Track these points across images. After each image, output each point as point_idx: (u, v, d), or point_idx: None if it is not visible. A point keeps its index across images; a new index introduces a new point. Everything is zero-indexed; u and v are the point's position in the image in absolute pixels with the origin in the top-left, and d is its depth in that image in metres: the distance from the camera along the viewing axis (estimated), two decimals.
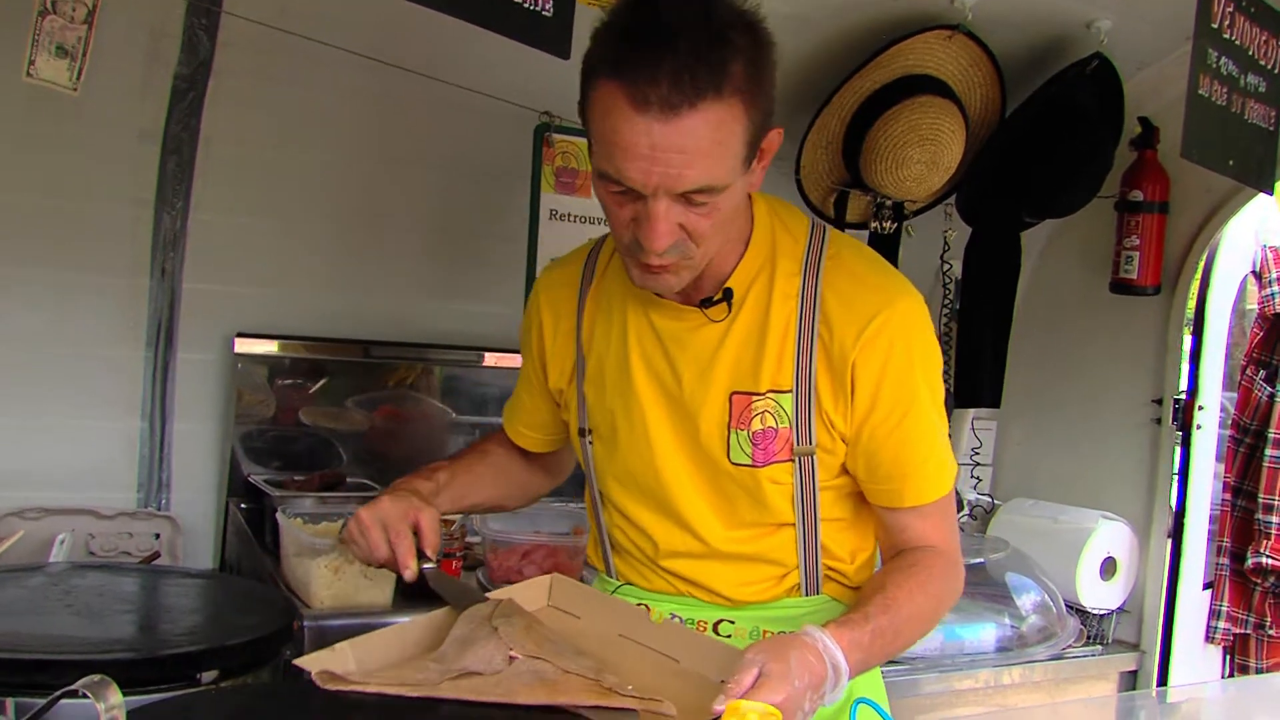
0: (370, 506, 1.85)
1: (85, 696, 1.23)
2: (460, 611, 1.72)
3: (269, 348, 2.90)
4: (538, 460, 2.12)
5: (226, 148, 2.75)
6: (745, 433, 1.69)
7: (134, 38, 2.52)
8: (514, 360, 2.98)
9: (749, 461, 1.70)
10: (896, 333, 1.67)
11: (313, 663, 1.58)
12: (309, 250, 2.96)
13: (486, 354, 3.13)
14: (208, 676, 1.86)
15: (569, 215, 2.67)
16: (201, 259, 2.82)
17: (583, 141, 2.71)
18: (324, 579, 2.36)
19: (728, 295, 1.69)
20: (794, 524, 1.74)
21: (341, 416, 3.07)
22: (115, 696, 1.23)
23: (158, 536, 2.78)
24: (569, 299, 1.88)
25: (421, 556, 1.84)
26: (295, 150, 2.84)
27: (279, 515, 2.52)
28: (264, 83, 2.70)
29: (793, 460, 1.70)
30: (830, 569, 1.80)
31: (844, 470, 1.75)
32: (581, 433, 1.89)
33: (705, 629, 1.80)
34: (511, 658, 1.59)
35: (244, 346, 2.86)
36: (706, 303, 1.70)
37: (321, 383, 3.02)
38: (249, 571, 2.67)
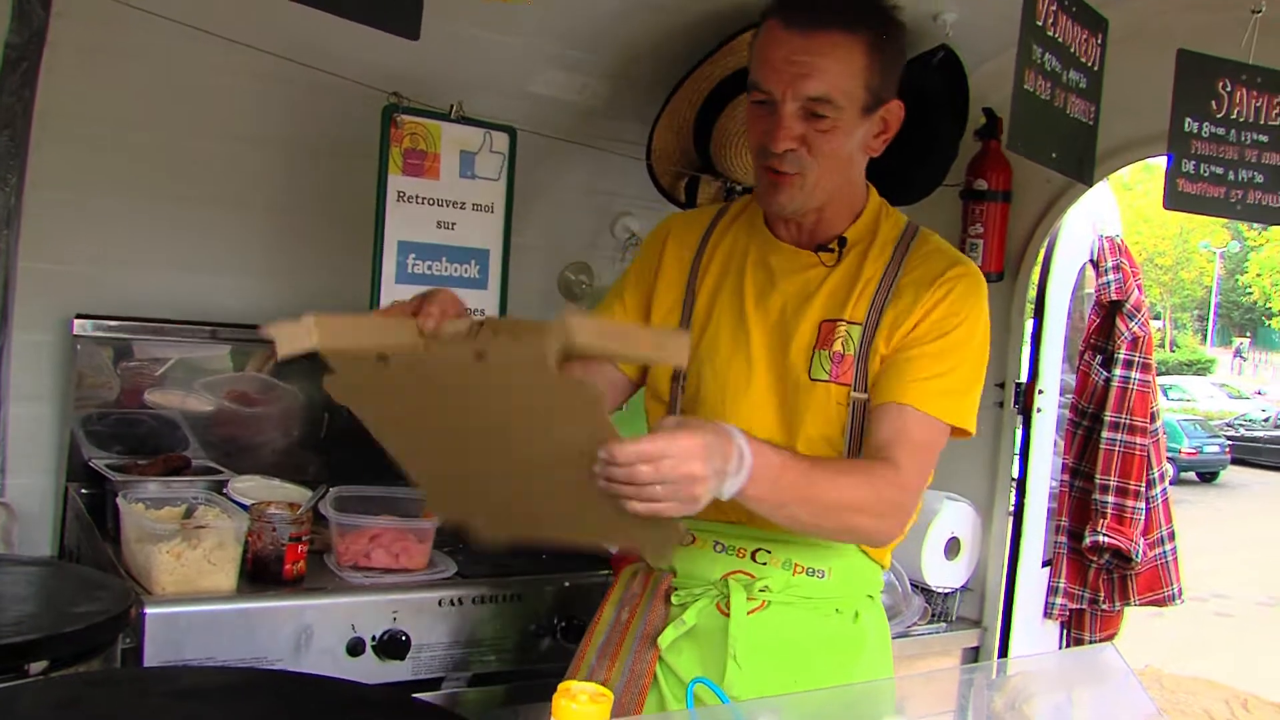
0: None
1: None
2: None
3: (110, 329, 2.82)
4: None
5: (64, 122, 2.66)
6: (827, 352, 1.97)
7: None
8: None
9: (826, 377, 1.96)
10: (961, 286, 1.96)
11: (281, 336, 1.62)
12: (153, 230, 2.88)
13: None
14: (37, 667, 1.83)
15: (417, 197, 2.65)
16: (38, 237, 2.73)
17: (432, 124, 2.73)
18: (166, 565, 2.32)
19: (842, 243, 2.02)
20: (843, 453, 1.96)
21: (187, 400, 3.01)
22: None
23: None
24: (694, 236, 2.16)
25: None
26: (137, 126, 2.77)
27: (119, 500, 2.47)
28: (103, 56, 2.63)
29: (850, 389, 1.95)
30: None
31: None
32: (675, 377, 2.10)
33: (744, 555, 2.01)
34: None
35: (84, 328, 2.78)
36: (821, 248, 2.02)
37: (167, 365, 2.96)
38: (89, 559, 2.61)
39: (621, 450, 1.53)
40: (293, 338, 1.62)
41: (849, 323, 1.97)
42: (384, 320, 1.74)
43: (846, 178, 1.99)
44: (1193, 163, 2.41)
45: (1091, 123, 2.24)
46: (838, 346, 1.96)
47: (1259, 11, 2.40)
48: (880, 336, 1.95)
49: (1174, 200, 2.42)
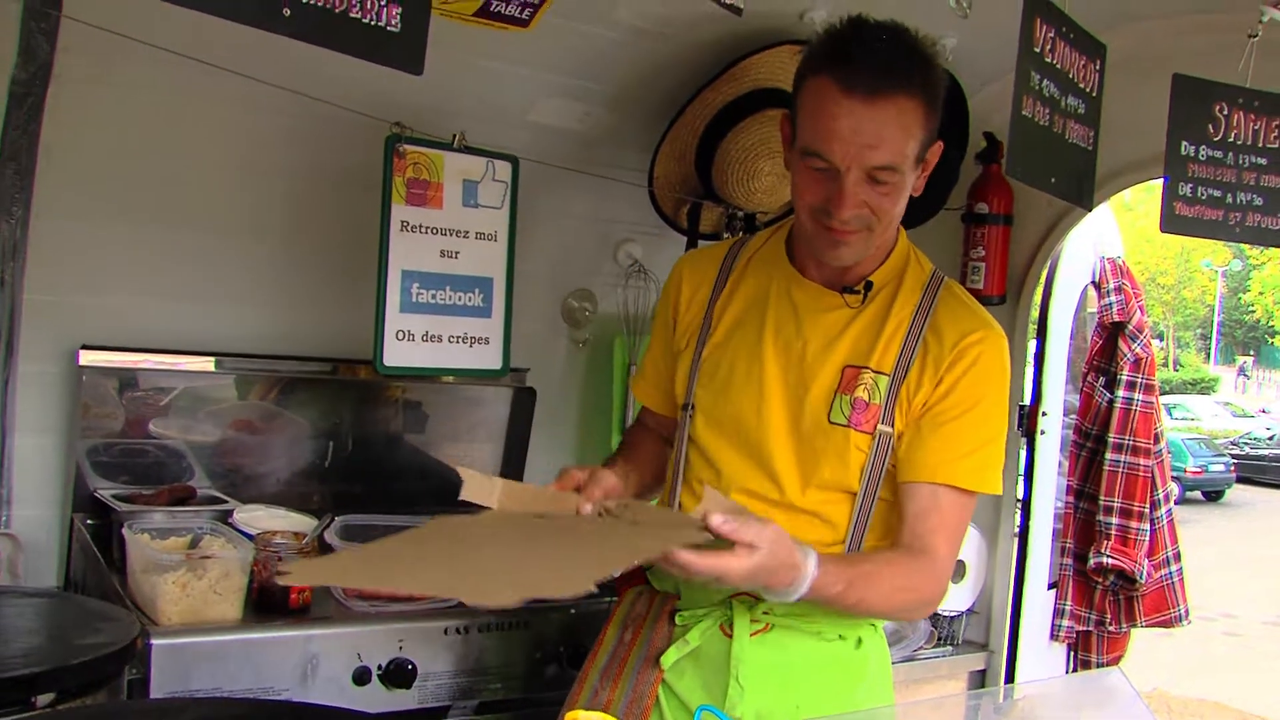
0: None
1: None
2: None
3: (115, 360, 2.81)
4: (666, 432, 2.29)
5: (69, 155, 2.67)
6: (849, 397, 1.99)
7: None
8: (364, 371, 3.01)
9: (845, 422, 1.98)
10: (987, 349, 1.99)
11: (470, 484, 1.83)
12: (157, 260, 2.89)
13: (339, 365, 3.09)
14: (43, 699, 1.82)
15: (420, 227, 2.66)
16: (43, 269, 2.73)
17: (435, 153, 2.74)
18: (171, 595, 2.32)
19: (868, 286, 2.03)
20: (857, 493, 2.00)
21: (192, 429, 3.01)
22: None
23: None
24: (711, 274, 2.19)
25: None
26: (142, 158, 2.77)
27: (125, 530, 2.47)
28: (108, 89, 2.63)
29: (874, 435, 1.98)
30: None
31: None
32: (684, 406, 2.14)
33: None
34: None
35: (89, 359, 2.78)
36: (847, 289, 2.03)
37: (171, 395, 2.96)
38: (94, 589, 2.60)
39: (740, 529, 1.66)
40: (480, 490, 1.83)
41: (875, 372, 1.99)
42: (554, 493, 1.90)
43: (892, 226, 2.02)
44: (1190, 185, 2.41)
45: (1090, 148, 2.24)
46: (861, 394, 1.98)
47: (1255, 35, 2.41)
48: (907, 388, 1.99)
49: (1171, 223, 2.42)
